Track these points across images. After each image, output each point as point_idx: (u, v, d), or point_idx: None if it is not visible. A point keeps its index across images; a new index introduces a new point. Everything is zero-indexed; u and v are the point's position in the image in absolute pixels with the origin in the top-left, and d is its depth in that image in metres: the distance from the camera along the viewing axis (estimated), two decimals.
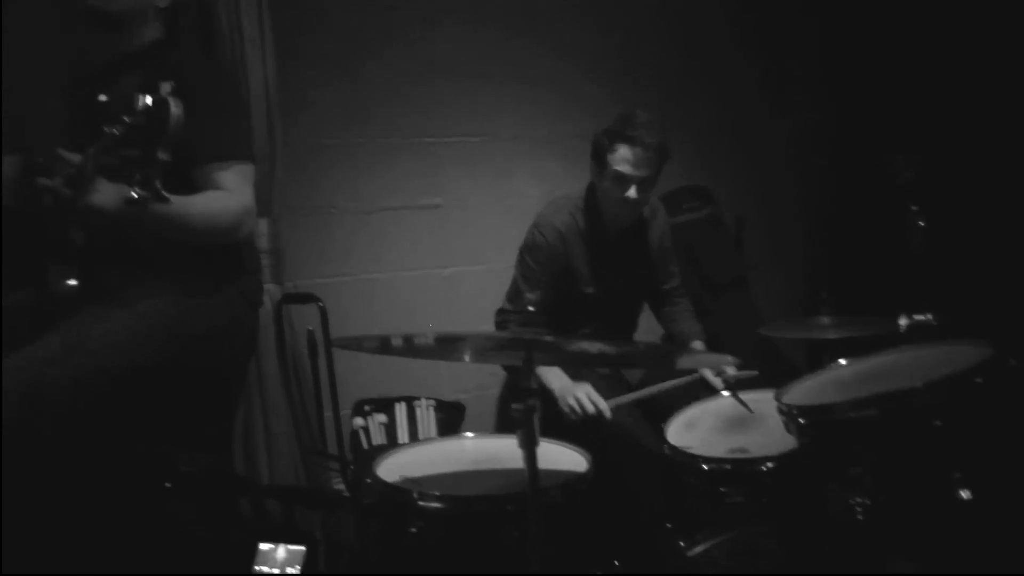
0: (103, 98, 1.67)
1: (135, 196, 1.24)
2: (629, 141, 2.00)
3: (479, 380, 2.69)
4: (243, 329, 1.91)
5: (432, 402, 2.60)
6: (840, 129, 3.28)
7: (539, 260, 2.10)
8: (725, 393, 1.94)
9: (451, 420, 2.64)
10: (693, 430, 1.81)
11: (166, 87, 1.25)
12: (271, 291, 2.12)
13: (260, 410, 2.08)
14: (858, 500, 1.25)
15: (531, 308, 1.40)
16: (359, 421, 2.51)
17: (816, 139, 3.31)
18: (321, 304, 2.19)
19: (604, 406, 1.84)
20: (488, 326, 2.23)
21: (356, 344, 1.46)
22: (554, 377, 1.95)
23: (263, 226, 2.14)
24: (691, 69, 3.09)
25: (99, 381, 1.52)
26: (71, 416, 1.46)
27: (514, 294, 2.13)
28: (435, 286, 2.69)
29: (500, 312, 2.16)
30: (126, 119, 1.25)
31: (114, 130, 1.26)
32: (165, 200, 1.25)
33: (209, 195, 1.61)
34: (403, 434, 2.53)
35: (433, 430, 2.58)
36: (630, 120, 2.03)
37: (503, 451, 1.68)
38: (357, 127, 2.60)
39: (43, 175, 1.69)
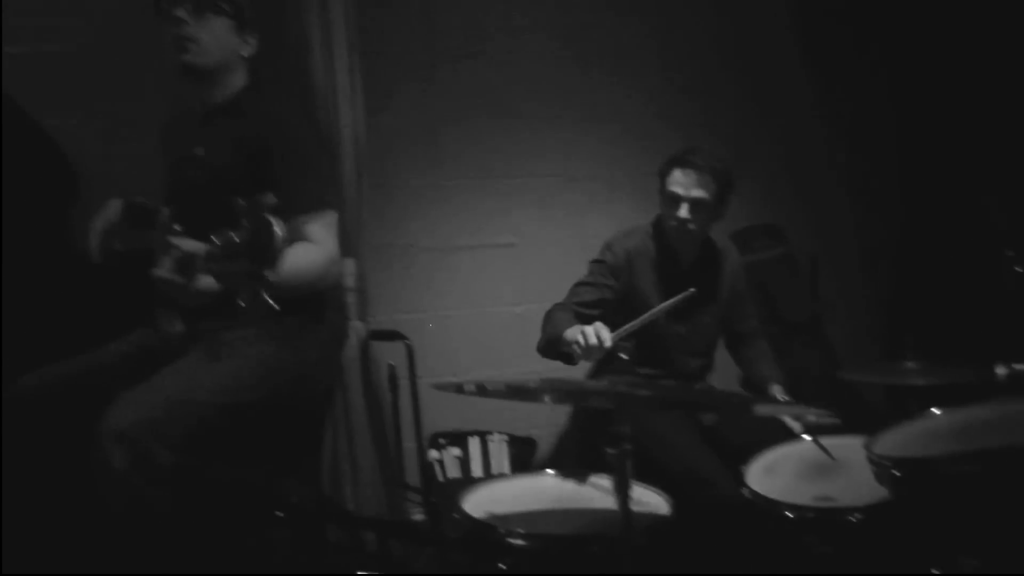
0: (200, 151, 1.80)
1: (243, 305, 1.26)
2: (682, 164, 2.09)
3: (550, 416, 2.72)
4: (331, 365, 2.02)
5: (505, 437, 2.66)
6: (916, 168, 3.22)
7: (602, 271, 2.15)
8: (806, 437, 1.91)
9: (523, 455, 2.68)
10: (774, 475, 1.78)
11: (267, 201, 1.26)
12: (357, 328, 2.22)
13: (346, 442, 2.17)
14: (967, 560, 1.20)
15: (624, 356, 1.43)
16: (434, 454, 2.58)
17: (890, 178, 3.26)
18: (408, 342, 2.28)
19: (605, 336, 1.76)
20: (558, 365, 2.27)
21: (458, 388, 1.51)
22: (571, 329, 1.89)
23: (350, 266, 2.24)
24: (763, 110, 3.09)
25: (208, 415, 1.64)
26: (186, 447, 1.56)
27: (571, 294, 2.16)
28: (509, 322, 2.75)
29: (551, 308, 2.13)
30: (232, 235, 1.27)
31: (222, 241, 1.28)
32: (273, 309, 1.26)
33: (296, 251, 1.65)
34: (477, 468, 2.59)
35: (506, 464, 2.63)
36: (690, 147, 2.13)
37: (586, 490, 1.70)
38: (435, 169, 2.72)
39: (143, 217, 1.83)
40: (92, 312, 1.93)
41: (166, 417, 1.55)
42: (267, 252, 1.21)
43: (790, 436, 1.96)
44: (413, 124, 2.69)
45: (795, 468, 1.81)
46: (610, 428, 1.27)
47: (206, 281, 1.40)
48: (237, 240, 1.25)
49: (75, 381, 1.68)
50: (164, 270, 1.42)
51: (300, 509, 1.35)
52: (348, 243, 2.12)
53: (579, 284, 2.18)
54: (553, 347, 1.91)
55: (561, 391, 1.59)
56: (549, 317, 2.07)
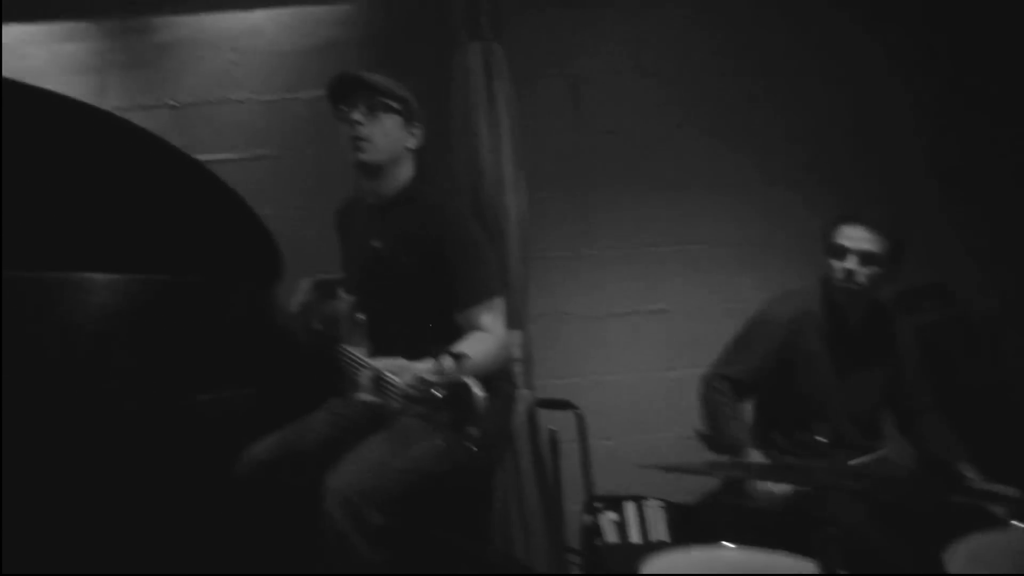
0: (376, 244, 1.95)
1: (442, 444, 1.39)
2: (851, 219, 2.07)
3: (705, 482, 2.70)
4: (504, 433, 2.14)
5: (660, 503, 2.66)
6: None
7: (763, 334, 2.11)
8: (1016, 524, 1.75)
9: (679, 522, 2.66)
10: (981, 565, 1.61)
11: (458, 354, 1.38)
12: (525, 396, 2.34)
13: (516, 505, 2.27)
14: None
15: (820, 439, 1.43)
16: (590, 518, 2.62)
17: None
18: (578, 411, 2.37)
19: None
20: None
21: (683, 469, 1.57)
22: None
23: (516, 337, 2.37)
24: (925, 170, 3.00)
25: (404, 482, 1.79)
26: (387, 510, 1.72)
27: (726, 362, 2.14)
28: (662, 387, 2.78)
29: (709, 379, 2.13)
30: (435, 391, 1.38)
31: (423, 394, 1.41)
32: (472, 451, 1.38)
33: (472, 342, 1.78)
34: (634, 533, 2.60)
35: (663, 531, 2.62)
36: (860, 208, 2.10)
37: (766, 565, 1.69)
38: (587, 240, 2.86)
39: (330, 292, 2.02)
40: (297, 382, 2.16)
41: (375, 483, 1.72)
42: (468, 411, 1.34)
43: (984, 518, 1.82)
44: (563, 198, 2.85)
45: (1008, 559, 1.65)
46: (816, 511, 1.28)
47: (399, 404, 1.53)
48: (440, 396, 1.37)
49: (295, 449, 1.89)
50: (365, 392, 1.58)
51: (496, 570, 1.44)
52: (515, 317, 2.26)
53: (736, 349, 2.15)
54: (717, 443, 1.93)
55: (780, 474, 1.58)
56: (714, 408, 2.06)
